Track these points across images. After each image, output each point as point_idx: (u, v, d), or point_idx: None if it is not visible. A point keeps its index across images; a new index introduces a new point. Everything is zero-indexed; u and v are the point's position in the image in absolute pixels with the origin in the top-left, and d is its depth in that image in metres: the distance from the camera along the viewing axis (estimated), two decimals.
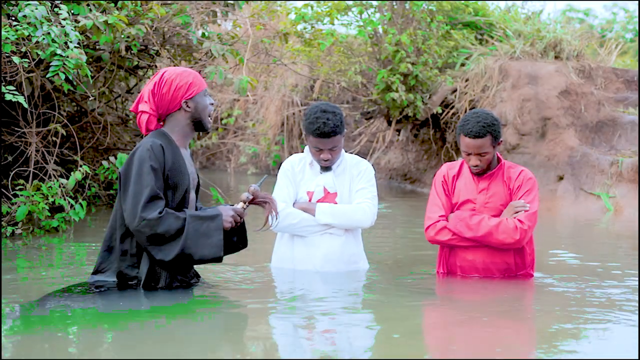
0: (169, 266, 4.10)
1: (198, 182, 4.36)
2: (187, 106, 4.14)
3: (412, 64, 10.29)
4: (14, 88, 5.78)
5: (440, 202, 4.84)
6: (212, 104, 4.25)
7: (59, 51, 5.71)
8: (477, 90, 10.37)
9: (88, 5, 6.48)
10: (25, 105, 5.75)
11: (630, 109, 10.03)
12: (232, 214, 4.16)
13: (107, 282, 4.11)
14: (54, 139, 6.90)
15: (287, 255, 4.93)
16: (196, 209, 4.28)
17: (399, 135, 11.69)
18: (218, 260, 4.10)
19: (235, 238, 4.31)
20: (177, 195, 4.09)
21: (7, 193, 6.50)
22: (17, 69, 5.94)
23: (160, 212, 3.95)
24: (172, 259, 4.00)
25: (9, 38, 5.65)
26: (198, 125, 4.20)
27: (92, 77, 6.67)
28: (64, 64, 5.72)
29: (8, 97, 5.64)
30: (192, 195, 4.24)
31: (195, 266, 4.37)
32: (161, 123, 4.20)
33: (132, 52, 6.89)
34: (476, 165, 4.75)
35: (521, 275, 4.87)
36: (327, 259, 4.85)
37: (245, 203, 4.24)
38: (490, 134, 4.67)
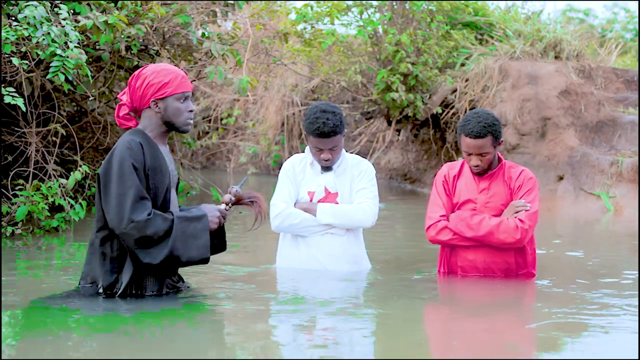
0: (156, 270, 3.99)
1: (178, 180, 4.27)
2: (157, 106, 4.00)
3: (412, 64, 10.29)
4: (14, 90, 5.78)
5: (441, 202, 4.85)
6: (191, 110, 4.06)
7: (58, 51, 5.70)
8: (477, 90, 10.37)
9: (88, 4, 6.48)
10: (24, 109, 5.75)
11: (630, 109, 10.02)
12: (217, 214, 4.08)
13: (91, 288, 4.01)
14: (54, 139, 6.90)
15: (293, 255, 4.92)
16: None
17: (399, 135, 11.69)
18: (205, 262, 4.02)
19: (215, 241, 4.19)
20: (158, 196, 3.98)
21: (7, 193, 6.50)
22: (17, 69, 5.94)
23: (149, 214, 3.84)
24: (159, 262, 3.88)
25: (8, 38, 5.65)
26: (170, 126, 4.05)
27: (92, 77, 6.66)
28: (64, 64, 5.72)
29: (7, 99, 5.63)
30: (173, 193, 4.14)
31: (195, 266, 4.34)
32: (137, 116, 4.08)
33: (132, 52, 6.89)
34: (477, 165, 4.75)
35: (523, 274, 4.87)
36: (329, 259, 4.85)
37: (227, 205, 4.20)
38: (491, 134, 4.67)
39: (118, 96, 4.11)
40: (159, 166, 3.99)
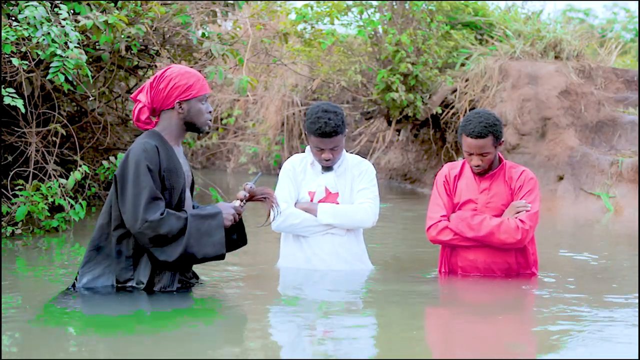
0: (172, 267, 4.08)
1: (192, 180, 4.34)
2: (180, 107, 4.10)
3: (412, 64, 10.29)
4: (14, 90, 5.77)
5: (441, 202, 4.85)
6: (210, 112, 4.19)
7: (58, 51, 5.70)
8: (477, 90, 10.37)
9: (88, 4, 6.48)
10: (23, 110, 5.76)
11: (630, 109, 10.02)
12: (232, 211, 4.16)
13: (96, 286, 4.04)
14: (54, 139, 6.89)
15: (295, 255, 4.91)
16: (193, 207, 4.27)
17: (399, 135, 11.69)
18: (221, 258, 4.11)
19: (234, 236, 4.30)
20: (174, 196, 4.07)
21: (7, 193, 6.50)
22: (17, 69, 5.94)
23: (162, 214, 3.93)
24: (175, 260, 3.98)
25: (8, 38, 5.65)
26: (190, 127, 4.16)
27: (92, 77, 6.66)
28: (64, 64, 5.72)
29: (7, 100, 5.63)
30: (187, 193, 4.22)
31: (196, 266, 4.36)
32: (155, 119, 4.16)
33: (132, 52, 6.89)
34: (478, 165, 4.75)
35: (526, 274, 4.87)
36: (330, 259, 4.85)
37: (242, 201, 4.25)
38: (492, 134, 4.68)
39: (132, 97, 4.17)
40: (174, 168, 4.07)
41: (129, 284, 4.05)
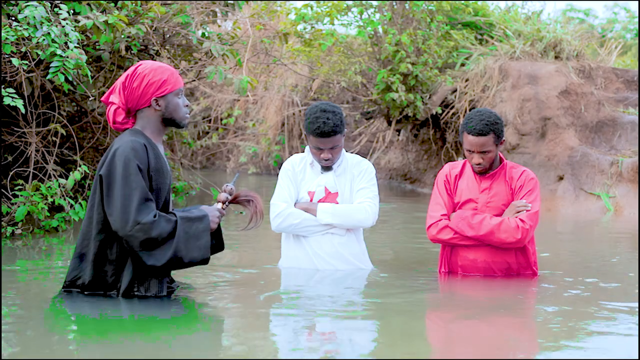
0: (157, 272, 3.93)
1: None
2: (157, 104, 3.95)
3: (412, 64, 10.29)
4: (14, 90, 5.78)
5: (442, 201, 4.85)
6: (187, 105, 4.06)
7: (58, 51, 5.70)
8: (477, 90, 10.37)
9: (88, 4, 6.48)
10: (23, 111, 5.76)
11: (630, 109, 10.03)
12: (217, 214, 4.04)
13: (86, 292, 3.94)
14: (54, 139, 6.89)
15: (297, 255, 4.91)
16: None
17: (399, 135, 11.70)
18: (205, 262, 3.98)
19: (213, 241, 4.12)
20: (160, 198, 3.93)
21: (6, 193, 6.50)
22: (17, 69, 5.94)
23: (154, 216, 3.79)
24: (164, 264, 3.83)
25: (8, 38, 5.65)
26: (170, 123, 4.02)
27: (92, 77, 6.66)
28: (64, 64, 5.72)
29: (7, 100, 5.63)
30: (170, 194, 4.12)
31: (196, 267, 4.33)
32: (131, 118, 4.01)
33: (132, 52, 6.89)
34: (479, 164, 4.76)
35: (526, 274, 4.88)
36: (331, 259, 4.85)
37: (224, 203, 4.16)
38: (493, 132, 4.68)
39: (104, 99, 4.02)
40: (161, 167, 3.95)
41: (115, 287, 3.93)
